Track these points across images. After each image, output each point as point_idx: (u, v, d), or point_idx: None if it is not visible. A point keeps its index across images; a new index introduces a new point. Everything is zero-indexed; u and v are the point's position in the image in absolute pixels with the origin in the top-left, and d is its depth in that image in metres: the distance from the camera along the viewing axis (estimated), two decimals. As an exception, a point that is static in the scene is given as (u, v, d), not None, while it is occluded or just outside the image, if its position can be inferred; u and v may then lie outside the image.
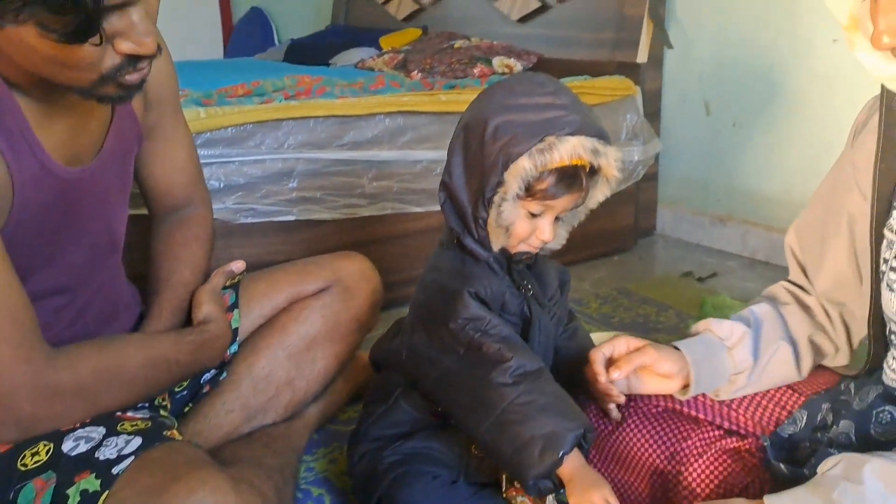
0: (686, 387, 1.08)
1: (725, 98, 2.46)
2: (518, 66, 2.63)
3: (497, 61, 2.65)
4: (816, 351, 1.12)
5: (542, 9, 2.77)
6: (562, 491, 0.97)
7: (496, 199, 0.99)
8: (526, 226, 1.03)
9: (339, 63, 3.20)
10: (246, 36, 4.72)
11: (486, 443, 1.00)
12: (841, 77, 2.15)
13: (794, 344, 1.09)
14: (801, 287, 1.14)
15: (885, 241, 0.95)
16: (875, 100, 0.99)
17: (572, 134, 0.97)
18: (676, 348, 1.09)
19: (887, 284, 0.94)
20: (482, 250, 1.05)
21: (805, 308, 1.12)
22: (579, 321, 1.26)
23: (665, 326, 1.91)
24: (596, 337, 1.72)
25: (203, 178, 1.32)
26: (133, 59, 0.88)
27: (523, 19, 2.85)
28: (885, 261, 0.94)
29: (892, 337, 0.97)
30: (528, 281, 1.10)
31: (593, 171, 1.03)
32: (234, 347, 1.27)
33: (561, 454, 0.95)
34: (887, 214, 0.95)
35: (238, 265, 1.28)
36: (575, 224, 1.12)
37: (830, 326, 1.11)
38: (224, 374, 1.26)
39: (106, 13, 0.81)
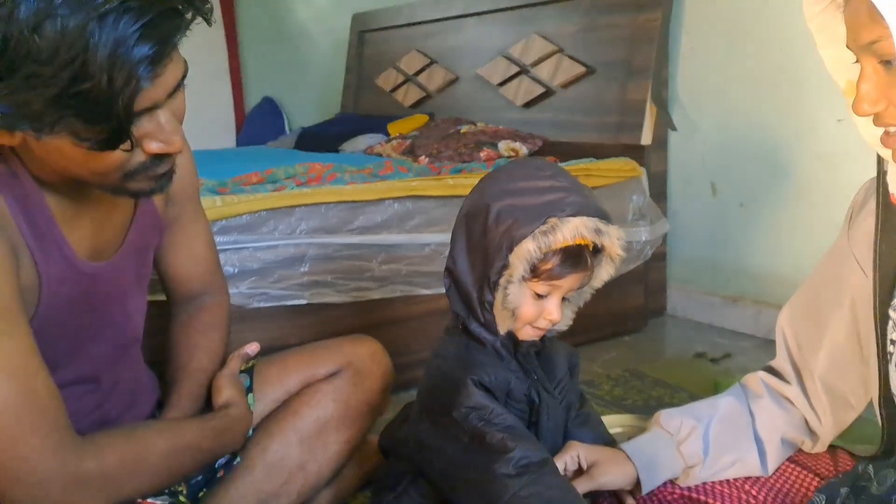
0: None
1: (731, 179, 2.50)
2: (524, 149, 2.69)
3: (503, 145, 2.70)
4: (788, 446, 1.10)
5: (547, 94, 2.85)
6: None
7: (502, 281, 1.00)
8: (533, 307, 1.03)
9: (349, 149, 3.28)
10: (258, 124, 4.87)
11: None
12: (846, 157, 2.18)
13: (759, 441, 1.08)
14: (781, 377, 1.12)
15: (890, 322, 0.95)
16: (872, 181, 1.00)
17: (574, 215, 0.99)
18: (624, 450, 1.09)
19: (895, 364, 0.93)
20: (488, 335, 1.05)
21: (780, 401, 1.10)
22: (591, 406, 1.25)
23: (679, 408, 1.89)
24: (608, 420, 1.70)
25: (220, 266, 1.35)
26: (159, 157, 0.91)
27: (528, 104, 2.92)
28: (893, 341, 0.94)
29: None
30: (535, 366, 1.10)
31: (597, 251, 1.05)
32: (249, 433, 1.26)
33: None
34: (891, 294, 0.95)
35: (253, 347, 1.29)
36: (581, 304, 1.13)
37: (814, 416, 1.09)
38: (238, 459, 1.25)
39: (135, 118, 0.84)
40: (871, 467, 1.02)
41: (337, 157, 2.95)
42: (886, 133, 0.81)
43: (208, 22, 0.89)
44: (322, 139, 3.48)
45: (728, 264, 2.55)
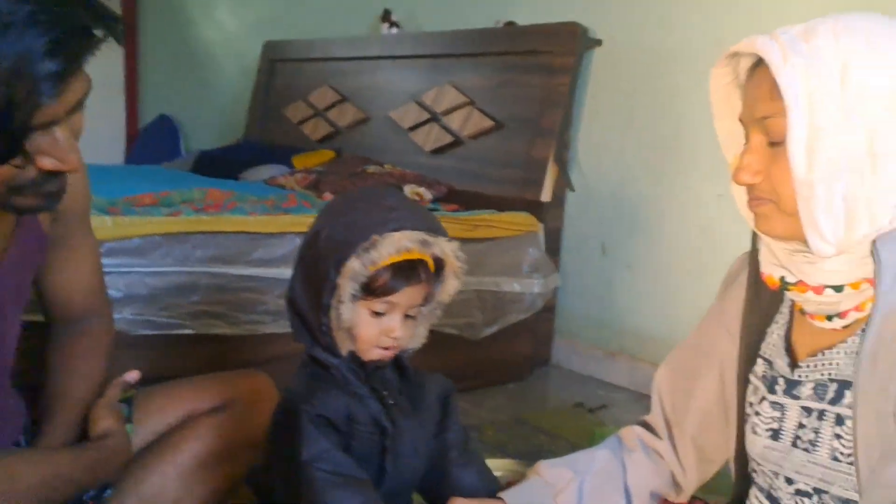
0: None
1: (621, 241, 2.62)
2: (428, 194, 2.73)
3: (408, 189, 2.73)
4: (655, 497, 1.16)
5: (456, 143, 2.92)
6: None
7: (333, 302, 1.02)
8: (372, 327, 1.04)
9: (250, 178, 3.21)
10: (151, 142, 4.69)
11: None
12: (725, 230, 2.32)
13: (628, 494, 1.13)
14: (654, 431, 1.17)
15: (750, 387, 1.02)
16: (747, 255, 1.07)
17: (397, 230, 1.02)
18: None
19: (751, 427, 1.00)
20: (332, 358, 1.05)
21: (651, 455, 1.15)
22: (475, 447, 1.24)
23: (557, 456, 1.93)
24: (490, 464, 1.73)
25: (105, 291, 1.30)
26: (51, 174, 0.87)
27: (436, 151, 2.98)
28: (751, 404, 1.01)
29: (753, 475, 1.03)
30: (391, 391, 1.09)
31: (440, 267, 1.08)
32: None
33: None
34: (753, 362, 1.02)
35: (133, 375, 1.23)
36: (433, 321, 1.13)
37: (681, 470, 1.14)
38: (109, 491, 1.19)
39: (31, 133, 0.81)
40: None
41: (237, 185, 2.88)
42: (752, 198, 0.88)
43: (120, 42, 0.87)
44: (222, 164, 3.40)
45: (611, 321, 2.66)
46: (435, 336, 2.39)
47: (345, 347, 1.05)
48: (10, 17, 0.75)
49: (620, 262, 2.62)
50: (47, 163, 0.85)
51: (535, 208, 2.53)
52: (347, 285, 1.01)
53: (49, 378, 1.18)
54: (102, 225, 1.67)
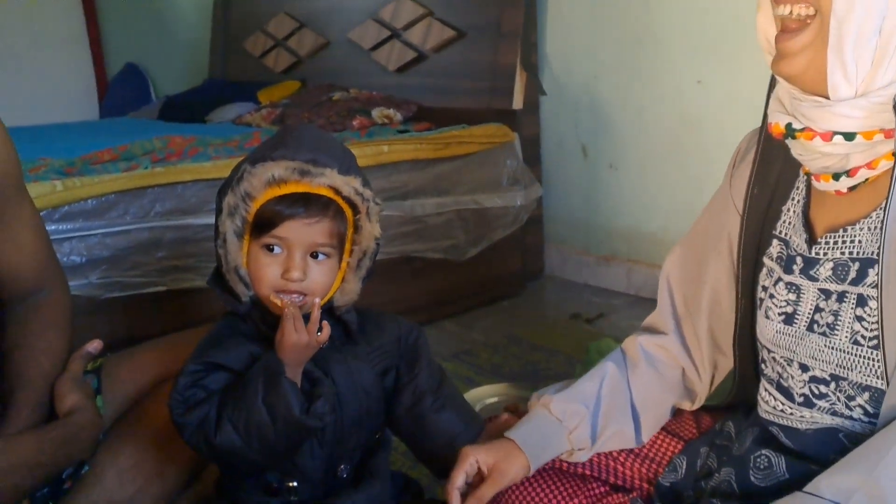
0: None
1: (601, 142, 2.54)
2: (398, 115, 2.64)
3: (376, 112, 2.64)
4: (662, 415, 1.12)
5: (419, 59, 2.80)
6: None
7: (219, 241, 0.99)
8: (267, 267, 0.98)
9: (216, 119, 3.13)
10: (122, 93, 4.57)
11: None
12: (709, 118, 2.25)
13: (636, 414, 1.09)
14: (658, 331, 1.13)
15: (764, 269, 0.97)
16: (755, 132, 1.01)
17: (271, 160, 0.97)
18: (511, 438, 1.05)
19: (764, 311, 0.95)
20: (237, 304, 1.02)
21: (656, 365, 1.11)
22: (450, 384, 1.18)
23: (554, 373, 1.92)
24: (484, 391, 1.71)
25: (56, 259, 1.24)
26: None
27: (401, 69, 2.86)
28: (764, 288, 0.96)
29: (764, 366, 0.99)
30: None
31: (356, 208, 1.02)
32: (98, 438, 1.18)
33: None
34: (767, 243, 0.97)
35: (94, 345, 1.19)
36: (363, 272, 1.07)
37: (693, 368, 1.11)
38: (86, 467, 1.16)
39: None
40: (730, 424, 1.05)
41: (202, 129, 2.80)
42: (790, 21, 0.82)
43: None
44: (188, 108, 3.31)
45: (600, 225, 2.60)
46: (419, 262, 2.37)
47: (241, 292, 1.00)
48: None
49: (603, 162, 2.55)
50: None
51: (508, 118, 2.44)
52: (227, 221, 0.97)
53: (7, 359, 1.14)
54: (52, 191, 1.59)
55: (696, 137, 2.29)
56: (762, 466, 0.95)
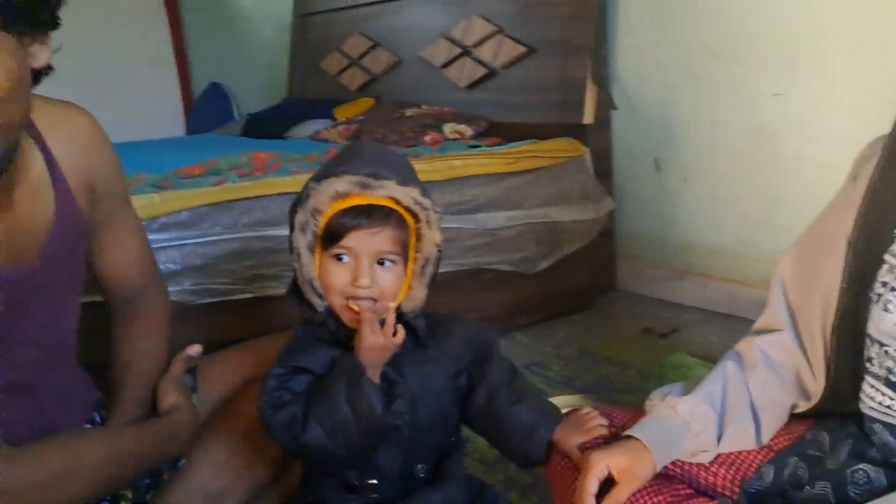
0: None
1: (674, 155, 2.53)
2: (469, 131, 2.69)
3: (448, 127, 2.70)
4: (782, 416, 1.11)
5: (490, 75, 2.85)
6: None
7: (294, 255, 1.06)
8: (337, 275, 1.04)
9: (295, 136, 3.25)
10: (207, 111, 4.79)
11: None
12: (786, 131, 2.22)
13: (756, 420, 1.08)
14: (772, 330, 1.11)
15: (885, 266, 0.97)
16: (879, 139, 1.01)
17: (335, 176, 1.04)
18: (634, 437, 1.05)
19: (883, 304, 0.95)
20: (313, 314, 1.08)
21: (774, 366, 1.10)
22: (524, 379, 1.21)
23: (627, 387, 1.92)
24: (559, 401, 1.72)
25: (157, 265, 1.33)
26: None
27: (472, 85, 2.92)
28: (884, 283, 0.96)
29: (869, 363, 0.98)
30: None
31: (417, 217, 1.07)
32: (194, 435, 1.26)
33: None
34: (890, 240, 0.96)
35: (195, 349, 1.28)
36: (427, 278, 1.11)
37: (807, 366, 1.08)
38: (183, 460, 1.24)
39: None
40: (823, 435, 1.04)
41: (282, 145, 2.91)
42: None
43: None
44: (269, 125, 3.44)
45: (674, 239, 2.59)
46: (490, 274, 2.41)
47: (316, 303, 1.07)
48: None
49: (676, 175, 2.54)
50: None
51: (579, 132, 2.46)
52: (298, 236, 1.04)
53: (113, 357, 1.23)
54: (150, 202, 1.70)
55: (773, 151, 2.26)
56: (861, 482, 0.94)
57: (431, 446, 1.14)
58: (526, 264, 2.32)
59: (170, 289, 1.38)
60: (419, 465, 1.13)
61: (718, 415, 1.07)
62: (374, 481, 1.11)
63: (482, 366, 1.16)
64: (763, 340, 1.12)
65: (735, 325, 2.16)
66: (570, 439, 1.12)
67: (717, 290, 2.44)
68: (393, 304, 1.06)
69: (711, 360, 1.35)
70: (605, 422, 1.14)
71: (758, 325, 1.15)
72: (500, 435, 1.17)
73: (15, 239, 1.00)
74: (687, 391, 1.09)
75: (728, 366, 1.11)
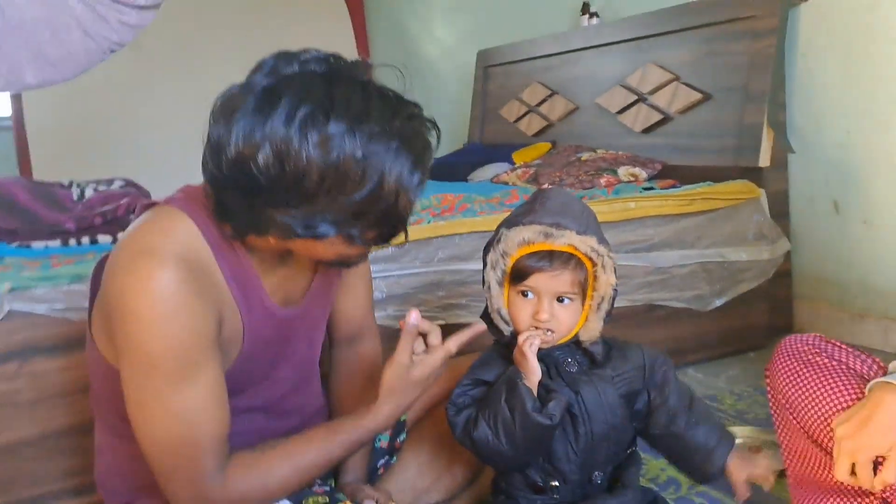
0: None
1: (854, 197, 2.52)
2: (643, 174, 2.79)
3: (623, 171, 2.81)
4: None
5: (664, 120, 2.95)
6: None
7: (485, 288, 1.25)
8: (521, 308, 1.23)
9: (477, 178, 3.47)
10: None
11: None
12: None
13: None
14: None
15: None
16: None
17: (521, 224, 1.22)
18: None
19: None
20: (501, 335, 1.28)
21: None
22: (700, 402, 1.33)
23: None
24: (733, 431, 1.78)
25: (373, 311, 1.47)
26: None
27: (646, 130, 3.02)
28: None
29: None
30: (559, 366, 1.26)
31: (593, 261, 1.23)
32: (403, 436, 1.47)
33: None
34: None
35: (413, 315, 1.26)
36: (603, 313, 1.26)
37: None
38: (394, 459, 1.45)
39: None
40: None
41: (466, 187, 3.14)
42: None
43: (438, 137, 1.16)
44: (452, 169, 3.66)
45: (854, 281, 2.56)
46: (663, 310, 2.49)
47: (503, 328, 1.26)
48: (393, 142, 1.03)
49: (856, 218, 2.52)
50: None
51: (754, 175, 2.51)
52: (491, 273, 1.24)
53: (331, 393, 1.43)
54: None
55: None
56: None
57: (606, 456, 1.29)
58: (699, 302, 2.39)
59: (375, 313, 1.55)
60: (596, 473, 1.28)
61: None
62: (556, 483, 1.27)
63: (661, 390, 1.30)
64: None
65: (920, 369, 2.10)
66: (741, 469, 1.27)
67: (901, 333, 2.38)
68: (551, 336, 1.24)
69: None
70: (777, 467, 1.23)
71: None
72: (679, 455, 1.32)
73: (288, 284, 1.22)
74: None
75: None
